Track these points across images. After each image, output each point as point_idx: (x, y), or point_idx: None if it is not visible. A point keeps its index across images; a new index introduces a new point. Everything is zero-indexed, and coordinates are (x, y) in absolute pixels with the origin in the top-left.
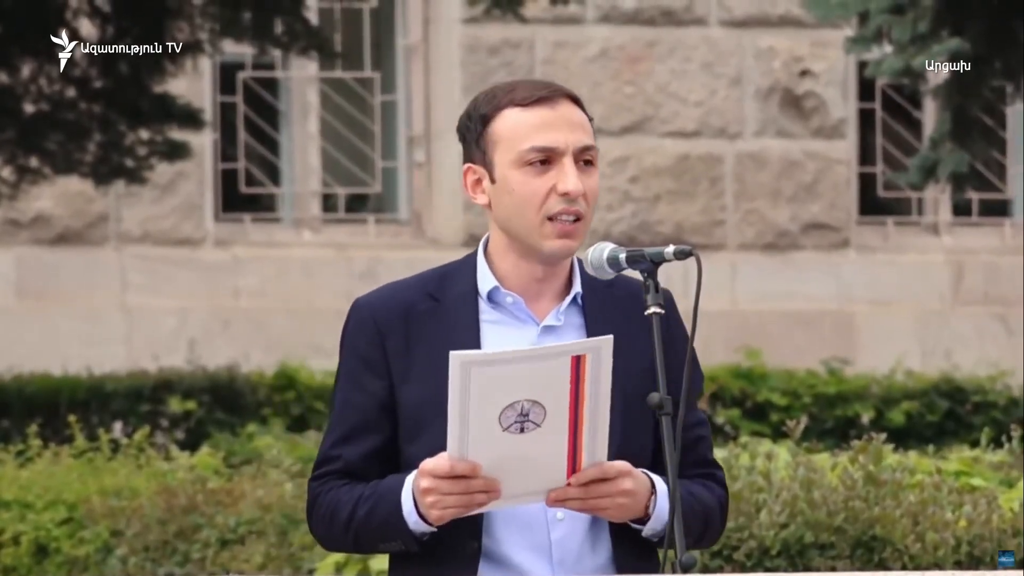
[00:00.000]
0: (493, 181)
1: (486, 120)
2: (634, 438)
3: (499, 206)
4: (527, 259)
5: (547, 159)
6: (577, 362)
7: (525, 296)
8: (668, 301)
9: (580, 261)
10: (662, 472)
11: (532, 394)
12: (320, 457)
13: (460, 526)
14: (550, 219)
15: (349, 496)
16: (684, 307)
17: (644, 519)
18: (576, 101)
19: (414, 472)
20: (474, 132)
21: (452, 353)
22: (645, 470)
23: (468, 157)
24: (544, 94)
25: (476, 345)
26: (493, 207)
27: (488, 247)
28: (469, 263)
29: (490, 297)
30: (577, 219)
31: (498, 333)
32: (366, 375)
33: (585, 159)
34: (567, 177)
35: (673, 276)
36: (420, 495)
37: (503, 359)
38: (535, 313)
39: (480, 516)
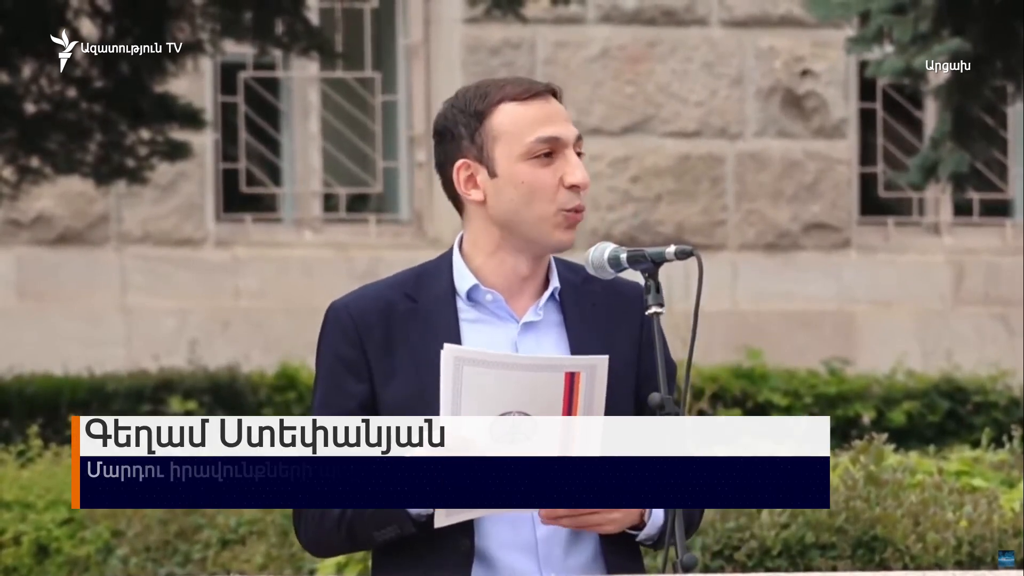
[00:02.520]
0: (493, 175)
1: (481, 116)
2: None
3: (501, 200)
4: (519, 254)
5: (551, 151)
6: (571, 379)
7: (505, 294)
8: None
9: (555, 258)
10: None
11: (524, 407)
12: None
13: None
14: (562, 211)
15: None
16: (685, 307)
17: (640, 525)
18: (559, 97)
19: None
20: (470, 128)
21: (446, 346)
22: None
23: (458, 153)
24: (537, 89)
25: (457, 344)
26: (490, 202)
27: (464, 246)
28: (444, 262)
29: (469, 296)
30: (580, 210)
31: (478, 332)
32: (346, 377)
33: (578, 151)
34: (575, 169)
35: (674, 276)
36: None
37: (496, 361)
38: (514, 310)
39: None
